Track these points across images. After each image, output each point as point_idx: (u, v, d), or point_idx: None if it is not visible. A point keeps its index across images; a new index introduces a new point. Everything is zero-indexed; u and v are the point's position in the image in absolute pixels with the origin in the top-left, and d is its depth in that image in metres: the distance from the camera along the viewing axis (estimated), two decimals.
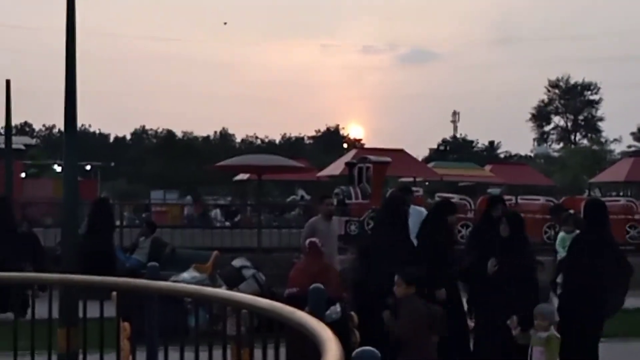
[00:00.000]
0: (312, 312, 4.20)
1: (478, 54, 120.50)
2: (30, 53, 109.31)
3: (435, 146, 78.90)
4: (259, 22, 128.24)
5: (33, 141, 54.26)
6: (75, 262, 7.67)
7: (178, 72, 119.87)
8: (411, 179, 29.35)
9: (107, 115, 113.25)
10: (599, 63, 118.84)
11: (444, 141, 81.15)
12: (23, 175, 36.54)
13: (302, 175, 31.84)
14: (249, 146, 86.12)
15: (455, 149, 77.45)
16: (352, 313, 8.13)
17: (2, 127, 17.89)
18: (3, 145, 16.06)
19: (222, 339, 5.08)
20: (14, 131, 19.16)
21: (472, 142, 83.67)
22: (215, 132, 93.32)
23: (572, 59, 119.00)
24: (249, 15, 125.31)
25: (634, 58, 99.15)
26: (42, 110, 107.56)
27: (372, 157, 23.69)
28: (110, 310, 6.09)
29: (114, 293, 6.35)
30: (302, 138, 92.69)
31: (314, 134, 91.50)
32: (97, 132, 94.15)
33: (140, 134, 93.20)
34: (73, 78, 7.90)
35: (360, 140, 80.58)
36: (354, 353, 2.90)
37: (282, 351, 4.66)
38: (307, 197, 41.23)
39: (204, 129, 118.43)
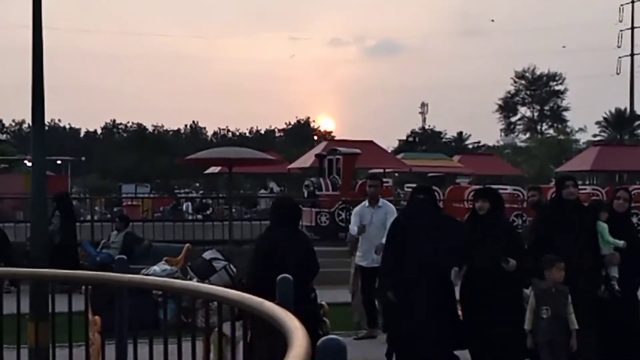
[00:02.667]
0: (280, 303, 4.26)
1: (445, 46, 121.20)
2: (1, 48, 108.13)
3: (404, 137, 79.02)
4: (228, 15, 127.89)
5: (3, 136, 53.76)
6: (44, 257, 7.68)
7: (148, 66, 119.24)
8: (381, 170, 29.49)
9: (78, 110, 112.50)
10: (564, 54, 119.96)
11: (413, 132, 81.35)
12: None
13: (273, 167, 31.86)
14: (220, 139, 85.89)
15: (424, 140, 77.68)
16: (324, 302, 8.18)
17: None
18: None
19: (191, 331, 5.13)
20: None
21: (440, 133, 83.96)
22: (186, 126, 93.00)
23: (538, 50, 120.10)
24: (217, 8, 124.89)
25: (599, 49, 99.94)
26: (11, 106, 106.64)
27: (342, 149, 23.75)
28: (78, 305, 6.12)
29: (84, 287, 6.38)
30: (273, 131, 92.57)
31: (284, 126, 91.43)
32: (68, 126, 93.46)
33: (110, 129, 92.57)
34: (40, 73, 7.88)
35: (330, 132, 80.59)
36: (319, 342, 2.95)
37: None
38: (279, 189, 41.26)
39: (175, 122, 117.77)
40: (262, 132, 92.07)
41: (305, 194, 22.53)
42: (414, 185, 10.47)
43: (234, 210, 21.58)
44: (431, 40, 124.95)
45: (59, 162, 46.76)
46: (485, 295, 7.73)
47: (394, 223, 8.67)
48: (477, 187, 16.41)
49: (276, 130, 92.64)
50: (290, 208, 7.91)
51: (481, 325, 7.73)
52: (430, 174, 36.26)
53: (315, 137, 76.06)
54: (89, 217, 22.86)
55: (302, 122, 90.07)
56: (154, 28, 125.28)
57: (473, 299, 7.90)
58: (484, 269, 7.76)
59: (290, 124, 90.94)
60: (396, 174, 39.92)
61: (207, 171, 39.64)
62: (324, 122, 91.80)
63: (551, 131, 77.02)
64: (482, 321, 7.73)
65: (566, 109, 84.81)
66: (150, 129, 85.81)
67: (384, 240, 8.75)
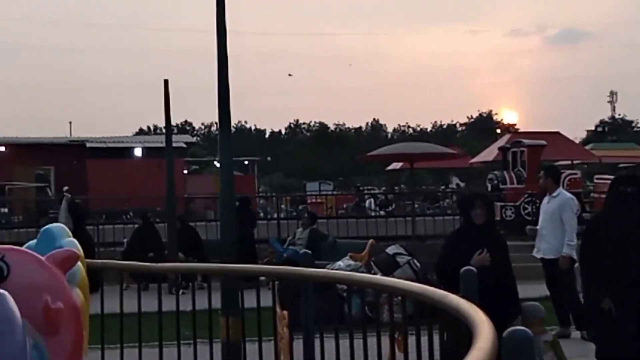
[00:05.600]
0: (465, 296, 4.18)
1: (630, 33, 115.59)
2: (189, 54, 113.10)
3: (592, 128, 76.18)
4: (405, 10, 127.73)
5: (193, 139, 56.14)
6: (233, 254, 7.93)
7: (328, 66, 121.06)
8: (568, 162, 28.52)
9: (263, 111, 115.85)
10: None
11: (602, 122, 78.22)
12: (185, 172, 37.97)
13: (455, 162, 31.54)
14: (401, 135, 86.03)
15: (614, 130, 74.50)
16: None
17: (163, 127, 18.62)
18: (164, 144, 16.68)
19: (376, 326, 5.13)
20: (174, 130, 19.95)
21: (631, 122, 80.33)
22: (367, 124, 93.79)
23: None
24: (394, 4, 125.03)
25: None
26: (201, 109, 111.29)
27: (526, 141, 23.18)
28: (267, 300, 6.27)
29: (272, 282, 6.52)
30: (454, 125, 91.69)
31: (466, 120, 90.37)
32: (254, 128, 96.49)
33: (294, 128, 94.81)
34: (225, 77, 8.12)
35: (514, 125, 78.87)
36: (504, 333, 2.88)
37: (436, 338, 4.65)
38: (461, 184, 40.78)
39: (356, 120, 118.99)
40: (444, 126, 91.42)
41: (489, 188, 22.16)
42: (615, 176, 9.57)
43: (416, 205, 21.52)
44: (615, 27, 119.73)
45: (246, 162, 48.35)
46: None
47: (593, 218, 8.01)
48: None
49: (457, 124, 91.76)
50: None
51: None
52: (621, 165, 34.74)
53: (498, 130, 74.66)
54: (275, 215, 23.45)
55: (484, 115, 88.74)
56: (333, 28, 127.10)
57: None
58: None
59: (472, 117, 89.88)
60: (585, 166, 38.48)
61: (389, 167, 39.78)
62: (506, 115, 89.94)
63: None
64: None
65: None
66: (332, 127, 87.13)
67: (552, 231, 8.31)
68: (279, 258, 15.82)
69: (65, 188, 29.11)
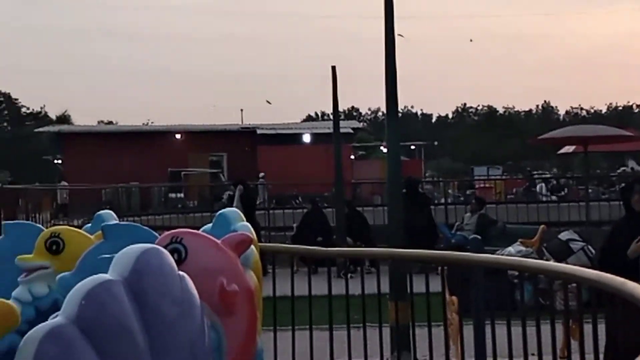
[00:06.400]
0: None
1: None
2: (355, 39, 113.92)
3: None
4: None
5: (360, 124, 56.56)
6: (401, 238, 7.93)
7: (496, 47, 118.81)
8: None
9: (429, 96, 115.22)
10: None
11: None
12: (352, 157, 38.33)
13: (631, 145, 30.20)
14: (573, 118, 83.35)
15: None
16: None
17: (330, 113, 18.84)
18: (332, 130, 16.88)
19: (549, 314, 5.00)
20: (341, 116, 20.15)
21: None
22: (537, 106, 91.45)
23: None
24: None
25: None
26: (367, 95, 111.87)
27: None
28: (436, 285, 6.22)
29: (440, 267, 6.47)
30: (631, 107, 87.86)
31: None
32: (420, 112, 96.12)
33: (461, 113, 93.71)
34: (393, 62, 8.13)
35: None
36: None
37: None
38: (638, 167, 39.08)
39: (526, 103, 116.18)
40: (620, 108, 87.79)
41: None
42: None
43: (590, 190, 20.80)
44: None
45: (412, 147, 48.26)
46: None
47: None
48: None
49: (634, 105, 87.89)
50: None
51: None
52: None
53: None
54: (442, 200, 23.27)
55: None
56: (502, 9, 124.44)
57: None
58: None
59: None
60: None
61: (561, 151, 38.56)
62: None
63: None
64: None
65: None
66: (501, 110, 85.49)
67: None
68: (447, 243, 15.71)
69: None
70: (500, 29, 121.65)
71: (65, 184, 30.19)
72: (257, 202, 21.22)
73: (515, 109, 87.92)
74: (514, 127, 72.15)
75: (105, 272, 2.67)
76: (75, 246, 4.31)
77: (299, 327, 6.45)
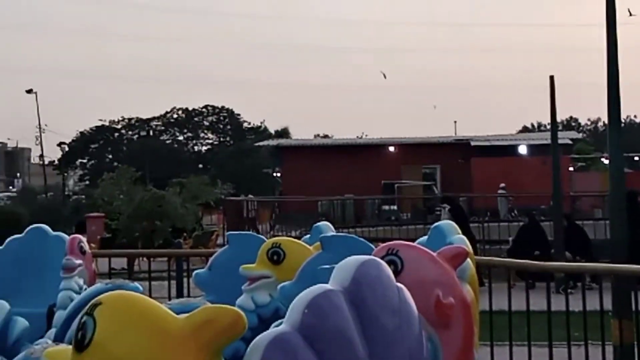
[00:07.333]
0: None
1: None
2: (574, 49, 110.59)
3: None
4: None
5: (579, 135, 54.71)
6: (624, 253, 7.58)
7: None
8: None
9: None
10: None
11: None
12: (571, 169, 37.15)
13: None
14: None
15: None
16: None
17: (547, 123, 18.34)
18: (549, 141, 16.46)
19: None
20: (559, 126, 19.65)
21: None
22: None
23: None
24: None
25: None
26: (587, 105, 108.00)
27: None
28: None
29: None
30: None
31: None
32: None
33: None
34: (615, 70, 7.82)
35: None
36: None
37: None
38: None
39: None
40: None
41: None
42: None
43: None
44: None
45: (636, 158, 46.05)
46: None
47: None
48: None
49: None
50: None
51: None
52: None
53: None
54: None
55: None
56: None
57: None
58: None
59: None
60: None
61: None
62: None
63: None
64: None
65: None
66: None
67: None
68: None
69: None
70: None
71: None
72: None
73: None
74: None
75: (325, 282, 2.74)
76: (295, 256, 4.47)
77: (517, 342, 6.33)
